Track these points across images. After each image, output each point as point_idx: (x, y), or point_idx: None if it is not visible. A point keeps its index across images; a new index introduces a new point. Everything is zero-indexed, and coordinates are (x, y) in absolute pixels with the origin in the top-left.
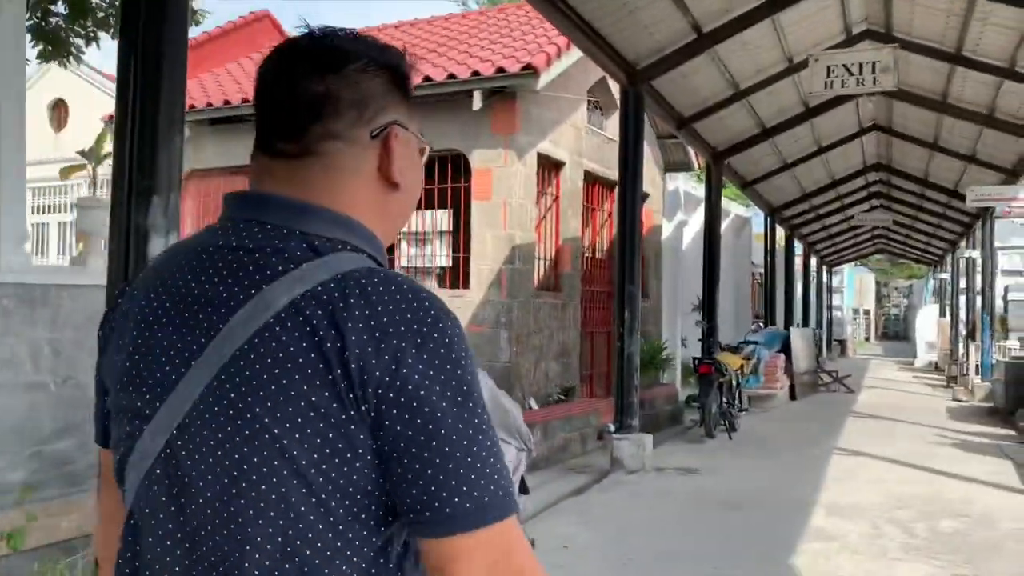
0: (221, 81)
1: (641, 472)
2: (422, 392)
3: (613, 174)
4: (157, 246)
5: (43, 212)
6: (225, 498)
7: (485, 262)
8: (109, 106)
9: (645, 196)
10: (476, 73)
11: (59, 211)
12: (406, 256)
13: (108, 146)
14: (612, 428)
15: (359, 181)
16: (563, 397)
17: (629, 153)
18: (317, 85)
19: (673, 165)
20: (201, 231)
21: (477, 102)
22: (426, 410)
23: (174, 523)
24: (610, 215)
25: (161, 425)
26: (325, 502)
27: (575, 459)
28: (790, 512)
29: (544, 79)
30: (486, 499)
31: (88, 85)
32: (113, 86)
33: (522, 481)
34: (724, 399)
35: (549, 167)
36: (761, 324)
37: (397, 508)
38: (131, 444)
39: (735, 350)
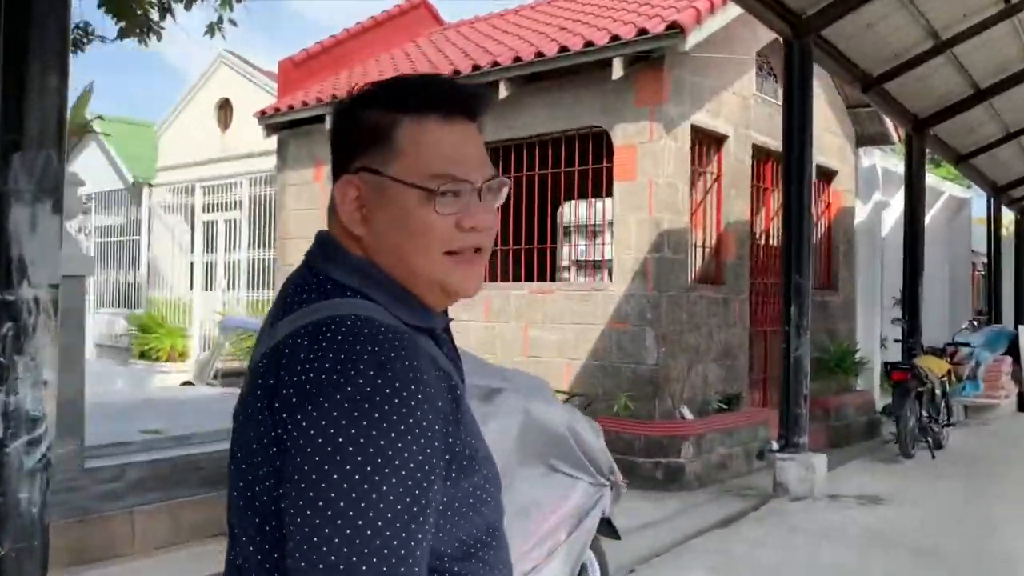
0: (381, 68)
1: (809, 500)
2: (303, 444)
3: None
4: (21, 216)
5: (211, 210)
6: (235, 546)
7: (628, 251)
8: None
9: (832, 174)
10: (616, 38)
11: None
12: (566, 255)
13: None
14: (774, 446)
15: (339, 225)
16: (724, 406)
17: (795, 118)
18: (341, 125)
19: (867, 138)
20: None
21: (617, 70)
22: (304, 464)
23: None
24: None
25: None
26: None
27: (737, 479)
28: (1012, 568)
29: (693, 38)
30: (341, 568)
31: (252, 84)
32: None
33: (607, 523)
34: (924, 411)
35: (707, 142)
36: (979, 322)
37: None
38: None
39: (940, 353)
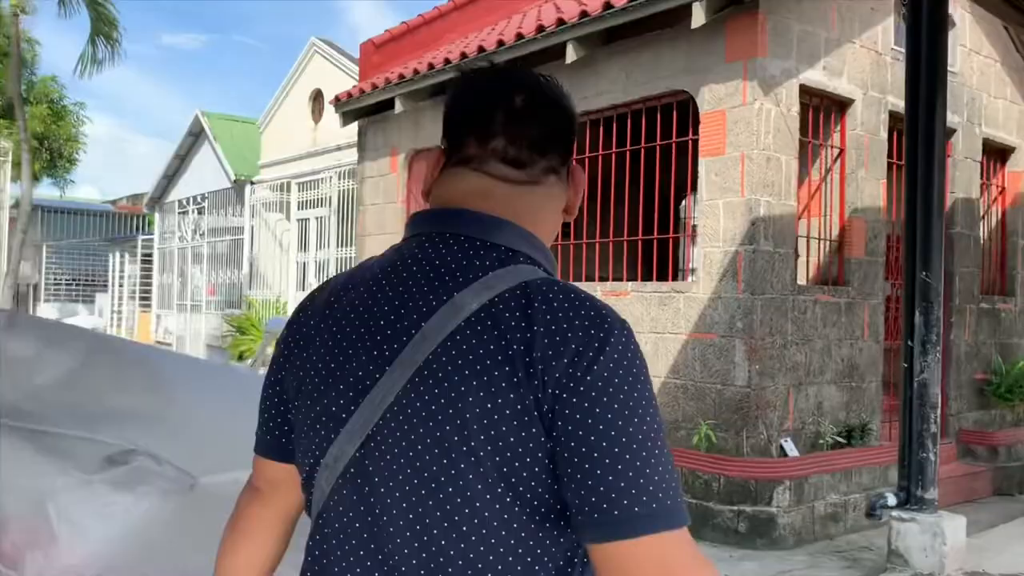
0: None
1: None
2: (595, 395)
3: (949, 119)
4: None
5: (305, 207)
6: (419, 509)
7: (715, 243)
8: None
9: (1007, 151)
10: None
11: None
12: (693, 254)
13: None
14: (890, 500)
15: (558, 208)
16: (843, 440)
17: (923, 70)
18: (543, 121)
19: None
20: (388, 250)
21: (699, 16)
22: (598, 411)
23: (365, 528)
24: (945, 177)
25: (356, 428)
26: (514, 515)
27: (853, 534)
28: None
29: None
30: (654, 506)
31: (342, 73)
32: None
33: None
34: None
35: (825, 107)
36: None
37: (568, 512)
38: (325, 448)
39: None
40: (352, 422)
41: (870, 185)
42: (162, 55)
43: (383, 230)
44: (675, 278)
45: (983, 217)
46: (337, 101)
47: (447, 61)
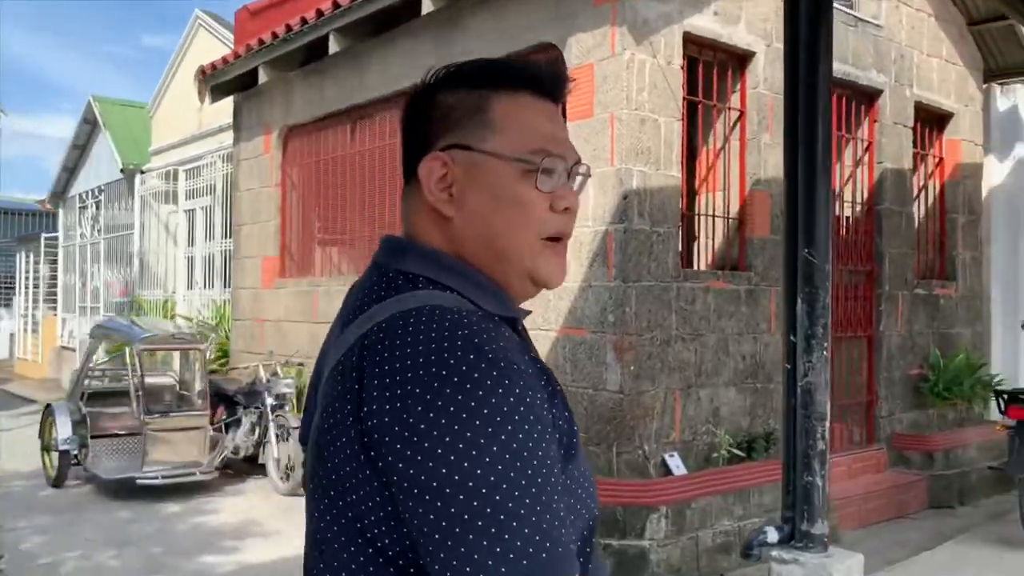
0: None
1: None
2: (425, 444)
3: (873, 78)
4: None
5: None
6: (312, 548)
7: (584, 221)
8: None
9: (944, 117)
10: None
11: None
12: None
13: None
14: (771, 536)
15: (422, 212)
16: (741, 453)
17: (802, 18)
18: (407, 119)
19: (1002, 69)
20: None
21: None
22: (429, 465)
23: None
24: (870, 144)
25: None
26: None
27: (751, 567)
28: None
29: None
30: (503, 570)
31: (229, 49)
32: None
33: None
34: None
35: (720, 61)
36: None
37: None
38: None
39: None
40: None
41: (777, 153)
42: (140, 56)
43: (258, 218)
44: None
45: (920, 192)
46: (203, 74)
47: (304, 21)
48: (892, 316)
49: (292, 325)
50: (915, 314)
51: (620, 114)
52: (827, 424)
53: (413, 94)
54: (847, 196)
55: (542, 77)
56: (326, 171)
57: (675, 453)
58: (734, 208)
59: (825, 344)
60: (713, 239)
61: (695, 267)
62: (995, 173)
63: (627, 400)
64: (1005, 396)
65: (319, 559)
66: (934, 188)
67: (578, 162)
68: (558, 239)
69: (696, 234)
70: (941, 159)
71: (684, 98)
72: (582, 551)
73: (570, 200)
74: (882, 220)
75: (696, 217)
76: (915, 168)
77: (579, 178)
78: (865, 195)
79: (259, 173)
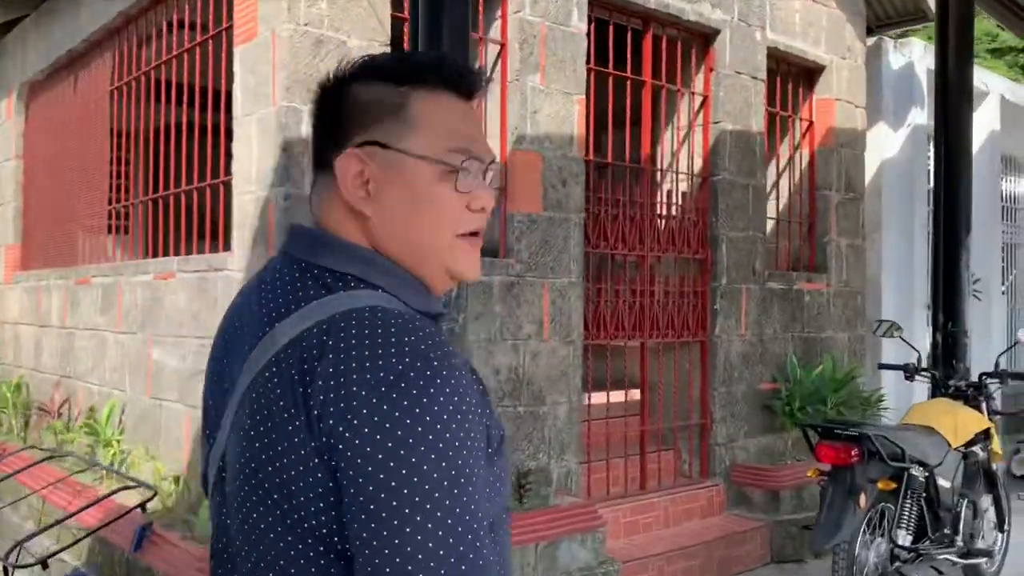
0: None
1: None
2: (368, 448)
3: (707, 14)
4: None
5: None
6: (245, 548)
7: (247, 185)
8: None
9: (813, 71)
10: None
11: None
12: None
13: None
14: None
15: (336, 208)
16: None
17: None
18: (320, 111)
19: (893, 19)
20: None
21: None
22: (369, 469)
23: (224, 552)
24: (705, 99)
25: (214, 456)
26: (321, 567)
27: None
28: None
29: None
30: (431, 564)
31: None
32: None
33: None
34: (921, 528)
35: None
36: None
37: None
38: (205, 468)
39: (975, 393)
40: (212, 452)
41: (553, 101)
42: None
43: (2, 199)
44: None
45: (784, 163)
46: None
47: None
48: (732, 316)
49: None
50: (767, 314)
51: (283, 31)
52: None
53: (324, 85)
54: (681, 165)
55: (460, 75)
56: (73, 135)
57: None
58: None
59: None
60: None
61: None
62: (888, 144)
63: None
64: (819, 429)
65: (258, 561)
66: (803, 157)
67: (493, 160)
68: (474, 234)
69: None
70: (811, 123)
71: (395, 16)
72: (499, 529)
73: (486, 200)
74: (718, 194)
75: None
76: (774, 132)
77: (491, 175)
78: (700, 164)
79: (3, 143)
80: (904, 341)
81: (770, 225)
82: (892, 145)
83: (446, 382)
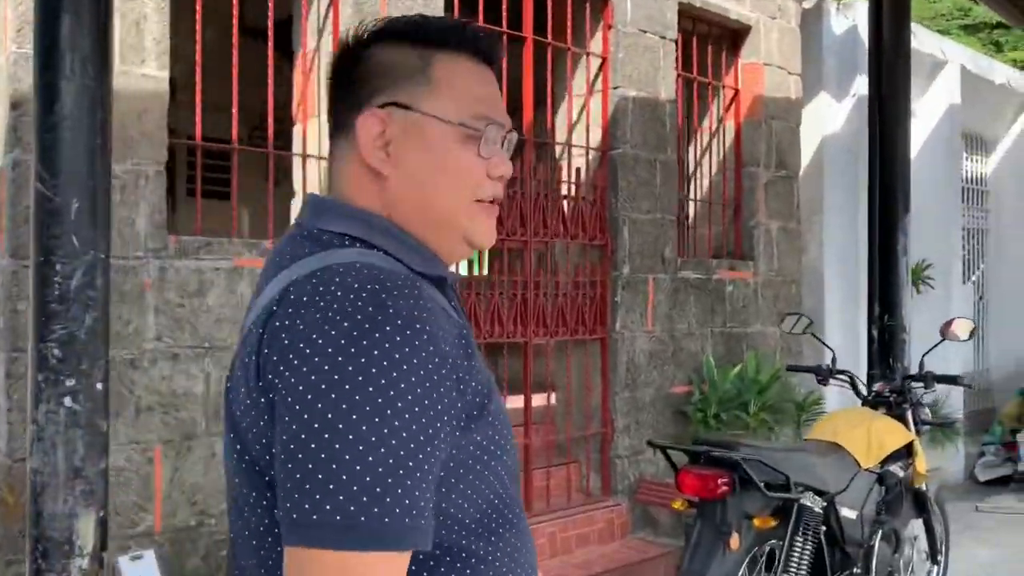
0: None
1: None
2: (300, 388)
3: None
4: None
5: None
6: (236, 521)
7: None
8: None
9: (737, 32)
10: None
11: None
12: None
13: None
14: None
15: (351, 170)
16: None
17: None
18: (337, 70)
19: None
20: None
21: None
22: (298, 406)
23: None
24: (603, 62)
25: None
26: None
27: None
28: None
29: None
30: (338, 519)
31: None
32: None
33: None
34: (837, 572)
35: None
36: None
37: None
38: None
39: (897, 400)
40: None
41: None
42: None
43: None
44: None
45: (712, 138)
46: None
47: None
48: (636, 310)
49: None
50: (680, 307)
51: None
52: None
53: (344, 47)
54: (578, 138)
55: (481, 39)
56: None
57: (149, 552)
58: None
59: None
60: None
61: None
62: (830, 116)
63: (16, 468)
64: (685, 451)
65: (237, 509)
66: (727, 130)
67: (512, 129)
68: (491, 201)
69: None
70: (736, 91)
71: None
72: (504, 526)
73: (504, 168)
74: (618, 171)
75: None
76: (692, 101)
77: (509, 143)
78: (600, 136)
79: None
80: (816, 339)
81: (692, 207)
82: (835, 118)
83: (396, 331)
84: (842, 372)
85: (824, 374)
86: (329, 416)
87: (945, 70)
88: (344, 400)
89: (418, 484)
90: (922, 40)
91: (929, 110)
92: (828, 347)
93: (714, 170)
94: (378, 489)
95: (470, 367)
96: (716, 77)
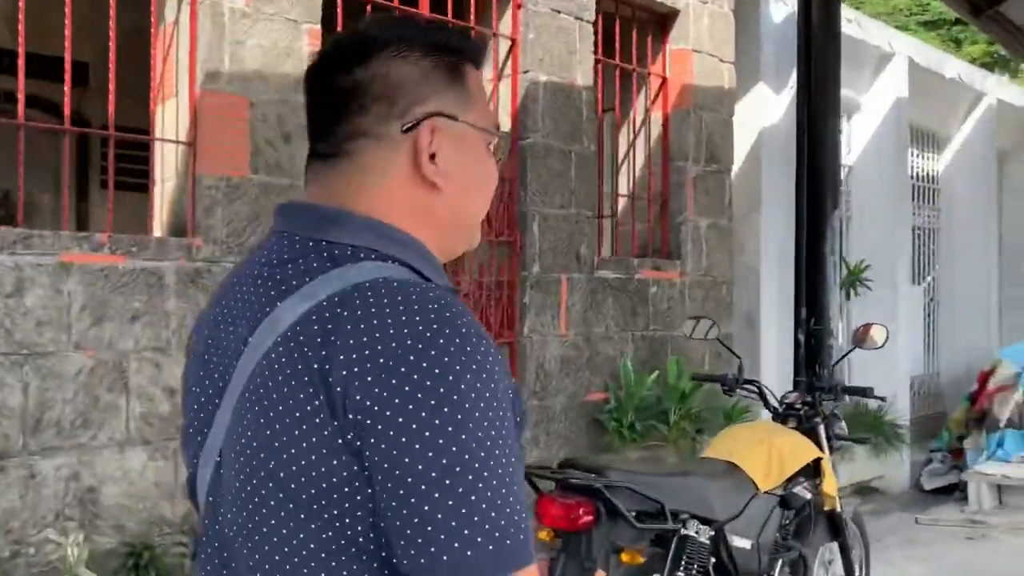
0: None
1: None
2: (400, 420)
3: None
4: None
5: None
6: (249, 545)
7: None
8: None
9: (669, 17)
10: None
11: None
12: None
13: None
14: None
15: (392, 182)
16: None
17: None
18: (345, 79)
19: None
20: (256, 247)
21: None
22: (403, 441)
23: (217, 556)
24: (513, 44)
25: (209, 451)
26: (341, 561)
27: None
28: None
29: None
30: (469, 553)
31: None
32: None
33: None
34: None
35: None
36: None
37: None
38: (195, 467)
39: (808, 413)
40: (206, 447)
41: (269, 29)
42: None
43: None
44: None
45: (640, 129)
46: None
47: None
48: (548, 312)
49: None
50: (598, 309)
51: None
52: None
53: (349, 51)
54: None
55: (480, 47)
56: None
57: None
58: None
59: None
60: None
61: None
62: (769, 108)
63: None
64: (548, 477)
65: (260, 542)
66: (654, 122)
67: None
68: None
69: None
70: (664, 79)
71: None
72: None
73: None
74: (527, 162)
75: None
76: (613, 89)
77: (503, 148)
78: (507, 124)
79: None
80: (723, 345)
81: (619, 204)
82: (773, 110)
83: (476, 349)
84: (749, 382)
85: (730, 384)
86: (454, 449)
87: (892, 62)
88: (460, 428)
89: (520, 500)
90: (869, 31)
91: (877, 104)
92: (736, 355)
93: (641, 164)
94: (508, 510)
95: (509, 376)
96: (642, 64)
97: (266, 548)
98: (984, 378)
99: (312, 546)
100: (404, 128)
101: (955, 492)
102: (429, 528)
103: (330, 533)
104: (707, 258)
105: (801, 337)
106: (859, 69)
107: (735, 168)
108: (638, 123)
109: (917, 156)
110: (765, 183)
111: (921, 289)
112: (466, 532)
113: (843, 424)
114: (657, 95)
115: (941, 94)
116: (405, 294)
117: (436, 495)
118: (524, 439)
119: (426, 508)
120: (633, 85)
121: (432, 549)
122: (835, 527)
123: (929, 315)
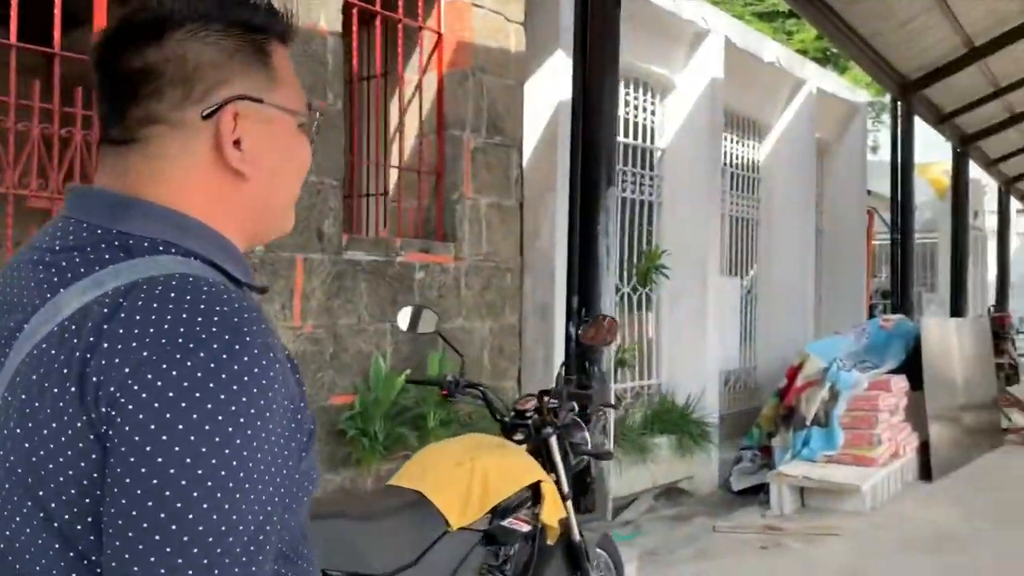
0: None
1: None
2: (141, 416)
3: None
4: None
5: None
6: (7, 555)
7: None
8: None
9: None
10: None
11: None
12: None
13: None
14: None
15: (192, 171)
16: None
17: None
18: (136, 61)
19: None
20: (41, 229)
21: None
22: (137, 440)
23: None
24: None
25: None
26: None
27: None
28: None
29: None
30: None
31: None
32: None
33: None
34: None
35: None
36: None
37: None
38: None
39: (537, 423)
40: None
41: None
42: None
43: None
44: None
45: (415, 92)
46: None
47: None
48: (277, 300)
49: None
50: (347, 296)
51: None
52: None
53: (137, 28)
54: None
55: (289, 23)
56: None
57: None
58: None
59: None
60: None
61: None
62: (568, 78)
63: None
64: None
65: (9, 553)
66: (420, 85)
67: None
68: None
69: None
70: (440, 35)
71: None
72: (302, 556)
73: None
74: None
75: None
76: (371, 41)
77: (317, 128)
78: None
79: None
80: (445, 341)
81: (394, 177)
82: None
83: (254, 361)
84: (472, 386)
85: (450, 387)
86: (188, 461)
87: (707, 40)
88: (203, 441)
89: (273, 524)
90: (682, 6)
91: (691, 85)
92: (458, 352)
93: (414, 133)
94: (229, 540)
95: (303, 394)
96: (410, 15)
97: (16, 547)
98: (793, 373)
99: (51, 554)
100: (204, 114)
101: (760, 493)
102: (140, 546)
103: (51, 536)
104: (488, 242)
105: (572, 330)
106: (674, 48)
107: (530, 145)
108: (412, 86)
109: (737, 144)
110: (561, 160)
111: (736, 280)
112: (187, 560)
113: (585, 435)
114: (432, 54)
115: (760, 79)
116: (195, 293)
117: (155, 512)
118: (314, 462)
119: (138, 520)
120: (399, 39)
121: (135, 569)
122: (574, 561)
123: (747, 307)
